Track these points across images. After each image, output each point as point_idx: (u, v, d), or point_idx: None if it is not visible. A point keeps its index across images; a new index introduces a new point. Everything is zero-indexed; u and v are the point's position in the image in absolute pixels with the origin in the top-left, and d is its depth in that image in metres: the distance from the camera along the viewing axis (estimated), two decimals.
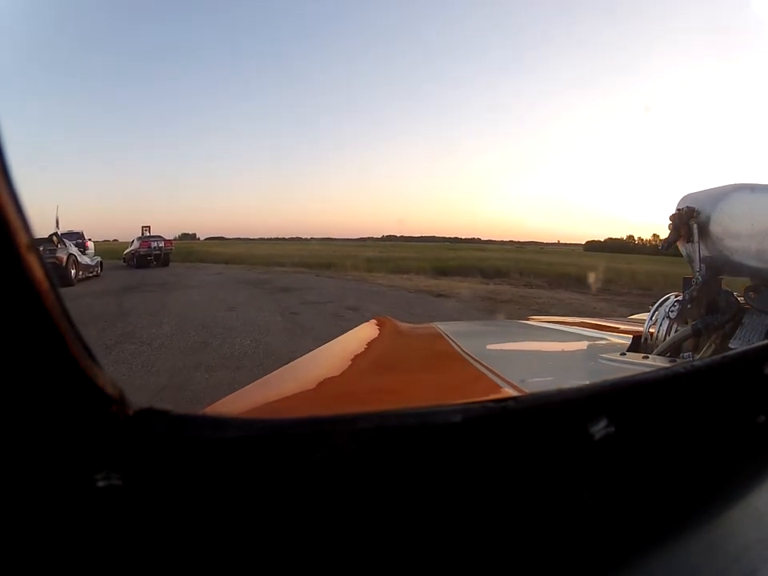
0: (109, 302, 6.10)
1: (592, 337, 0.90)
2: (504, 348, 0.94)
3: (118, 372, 2.96)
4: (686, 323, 0.69)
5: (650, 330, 0.75)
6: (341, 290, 7.89)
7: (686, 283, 0.72)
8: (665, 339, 0.71)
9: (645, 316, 0.82)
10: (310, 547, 0.19)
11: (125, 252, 14.91)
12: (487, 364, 0.61)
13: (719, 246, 0.69)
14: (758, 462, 0.30)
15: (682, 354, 0.68)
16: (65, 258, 8.10)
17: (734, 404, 0.30)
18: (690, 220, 0.71)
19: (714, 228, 0.69)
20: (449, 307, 6.10)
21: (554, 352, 0.88)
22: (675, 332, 0.70)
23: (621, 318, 1.42)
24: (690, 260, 0.73)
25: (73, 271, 8.42)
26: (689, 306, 0.69)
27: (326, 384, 0.65)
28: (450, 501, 0.20)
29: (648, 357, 0.64)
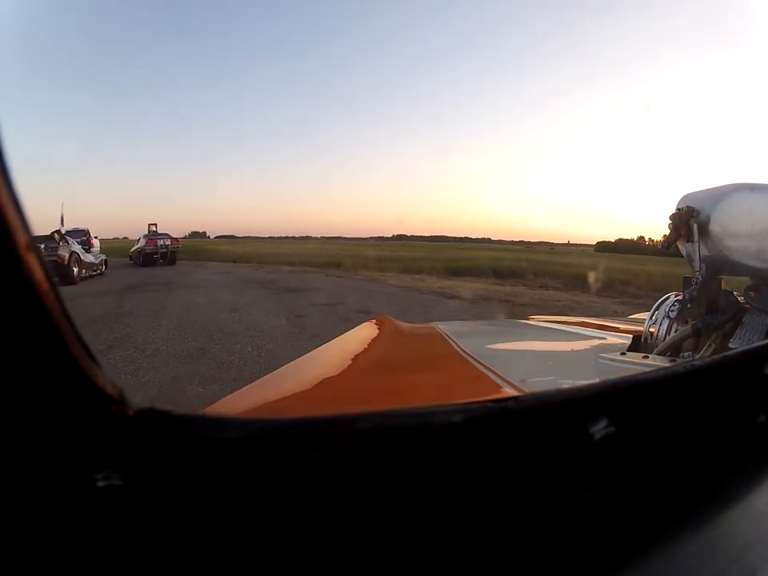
0: (109, 301, 5.92)
1: (592, 337, 0.90)
2: (504, 348, 0.94)
3: None
4: (686, 323, 0.69)
5: (650, 330, 0.75)
6: (350, 290, 7.58)
7: (686, 283, 0.72)
8: (665, 339, 0.71)
9: (645, 316, 0.82)
10: (310, 547, 0.19)
11: (131, 250, 14.82)
12: (487, 364, 0.61)
13: (719, 246, 0.69)
14: (757, 462, 0.30)
15: (681, 354, 0.68)
16: (67, 255, 7.97)
17: (734, 404, 0.30)
18: (689, 220, 0.71)
19: (714, 228, 0.69)
20: (464, 310, 5.75)
21: (554, 352, 0.88)
22: (675, 332, 0.70)
23: (621, 318, 1.42)
24: (690, 259, 0.73)
25: (75, 269, 8.30)
26: (689, 306, 0.69)
27: (325, 384, 0.65)
28: (451, 501, 0.20)
29: (648, 356, 0.64)
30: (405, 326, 1.13)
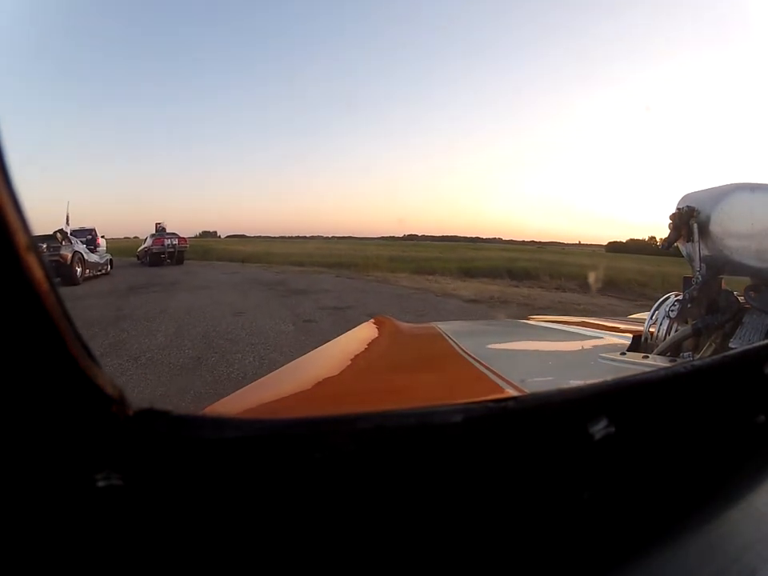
0: (109, 303, 5.73)
1: (592, 336, 0.90)
2: (504, 348, 0.94)
3: None
4: (686, 323, 0.69)
5: (650, 330, 0.75)
6: (362, 292, 7.27)
7: (686, 283, 0.72)
8: (665, 339, 0.71)
9: (645, 315, 0.81)
10: (310, 547, 0.19)
11: (138, 249, 14.71)
12: (487, 364, 0.61)
13: (719, 246, 0.69)
14: (757, 462, 0.30)
15: (681, 354, 0.68)
16: (69, 255, 7.80)
17: (734, 404, 0.30)
18: (690, 219, 0.71)
19: (714, 228, 0.69)
20: (482, 315, 5.29)
21: (554, 352, 0.88)
22: (675, 331, 0.70)
23: (621, 318, 1.42)
24: (690, 259, 0.73)
25: (78, 270, 8.16)
26: (689, 306, 0.69)
27: (325, 384, 0.65)
28: (451, 501, 0.20)
29: (648, 356, 0.64)
30: (405, 326, 1.13)
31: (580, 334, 0.95)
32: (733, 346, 0.62)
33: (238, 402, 0.59)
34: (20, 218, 0.14)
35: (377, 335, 1.07)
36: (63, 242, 7.87)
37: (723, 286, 0.70)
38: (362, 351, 0.91)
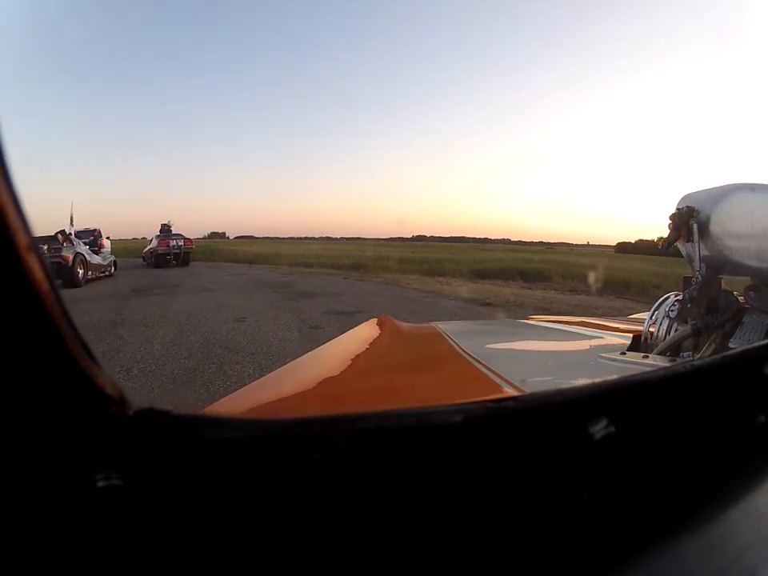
0: (108, 307, 5.53)
1: (592, 336, 0.90)
2: (504, 348, 0.94)
3: None
4: (686, 323, 0.69)
5: (650, 330, 0.75)
6: (371, 295, 6.95)
7: (686, 282, 0.72)
8: (665, 339, 0.71)
9: (645, 315, 0.82)
10: (310, 548, 0.19)
11: (144, 250, 14.57)
12: (487, 364, 0.61)
13: (719, 246, 0.69)
14: (757, 462, 0.30)
15: (681, 354, 0.68)
16: (71, 257, 7.64)
17: (734, 404, 0.30)
18: (689, 220, 0.71)
19: (714, 228, 0.69)
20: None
21: (554, 352, 0.88)
22: (675, 331, 0.70)
23: (621, 318, 1.42)
24: (690, 259, 0.73)
25: (81, 271, 8.01)
26: (689, 306, 0.69)
27: (326, 384, 0.65)
28: (451, 501, 0.20)
29: (648, 356, 0.64)
30: (405, 325, 1.13)
31: (580, 334, 0.95)
32: (733, 346, 0.62)
33: (238, 402, 0.59)
34: (20, 217, 0.14)
35: (377, 335, 1.07)
36: (64, 244, 7.74)
37: (723, 286, 0.70)
38: (362, 351, 0.91)
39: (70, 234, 8.70)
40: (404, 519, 0.20)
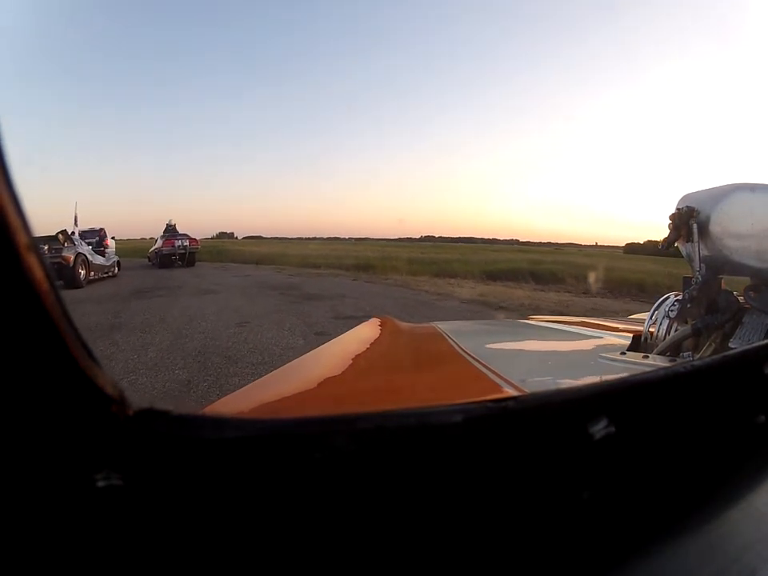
0: (107, 309, 5.33)
1: (592, 336, 0.90)
2: (504, 348, 0.94)
3: None
4: (686, 323, 0.69)
5: (650, 330, 0.75)
6: (381, 298, 6.68)
7: (686, 283, 0.72)
8: (665, 339, 0.71)
9: (645, 315, 0.82)
10: (310, 548, 0.19)
11: (149, 251, 14.43)
12: (487, 364, 0.61)
13: (719, 246, 0.69)
14: (757, 462, 0.30)
15: (681, 354, 0.68)
16: (72, 257, 7.48)
17: (734, 404, 0.30)
18: (689, 220, 0.71)
19: (714, 228, 0.69)
20: None
21: (554, 352, 0.88)
22: (675, 331, 0.70)
23: (621, 318, 1.42)
24: (690, 260, 0.73)
25: (82, 272, 7.86)
26: (689, 306, 0.69)
27: (326, 384, 0.65)
28: (450, 501, 0.20)
29: (648, 356, 0.64)
30: (405, 325, 1.13)
31: (580, 334, 0.95)
32: (733, 346, 0.62)
33: (238, 402, 0.59)
34: (20, 217, 0.14)
35: (377, 335, 1.07)
36: (66, 244, 7.60)
37: (723, 286, 0.70)
38: (362, 351, 0.91)
39: (73, 233, 8.62)
40: (404, 519, 0.20)
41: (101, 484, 0.16)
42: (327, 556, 0.19)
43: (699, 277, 0.70)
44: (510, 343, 1.02)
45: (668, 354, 0.68)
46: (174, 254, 12.54)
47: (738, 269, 0.68)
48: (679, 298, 0.73)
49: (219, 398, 0.62)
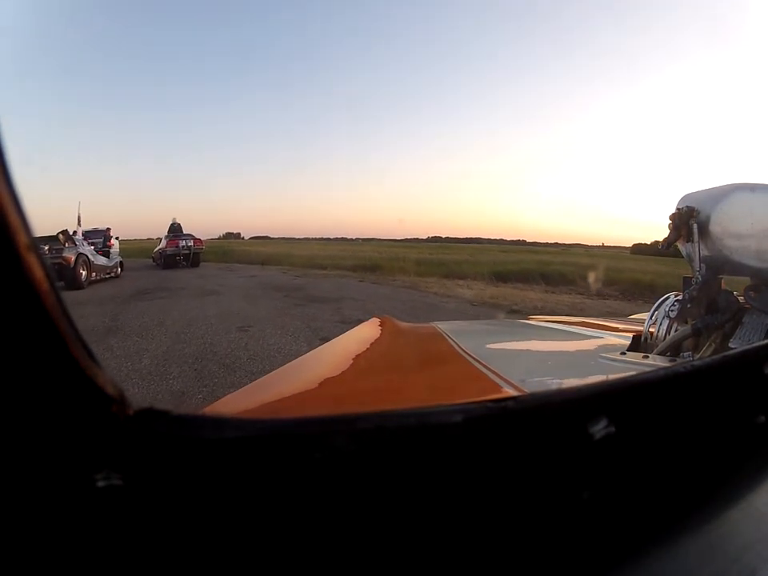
0: (106, 312, 5.17)
1: (592, 336, 0.90)
2: (504, 348, 0.94)
3: None
4: (686, 323, 0.69)
5: (650, 330, 0.75)
6: (389, 301, 6.44)
7: (686, 283, 0.72)
8: (665, 339, 0.71)
9: (645, 316, 0.82)
10: (310, 548, 0.19)
11: (154, 251, 14.31)
12: (487, 364, 0.61)
13: (719, 246, 0.69)
14: (757, 462, 0.30)
15: (681, 354, 0.68)
16: (73, 258, 7.34)
17: (734, 404, 0.30)
18: (689, 220, 0.71)
19: (714, 228, 0.69)
20: None
21: (554, 352, 0.88)
22: (675, 331, 0.70)
23: (621, 318, 1.42)
24: (690, 260, 0.73)
25: (84, 273, 7.74)
26: (689, 306, 0.69)
27: (326, 384, 0.65)
28: (450, 501, 0.20)
29: (648, 356, 0.64)
30: (405, 325, 1.13)
31: (580, 334, 0.95)
32: (733, 346, 0.62)
33: (238, 402, 0.59)
34: (20, 216, 0.14)
35: (377, 335, 1.07)
36: (66, 244, 7.44)
37: (723, 286, 0.70)
38: (362, 351, 0.91)
39: (75, 233, 8.53)
40: (404, 519, 0.20)
41: (101, 484, 0.16)
42: (327, 556, 0.19)
43: (699, 277, 0.70)
44: (509, 343, 1.02)
45: (668, 354, 0.68)
46: (179, 255, 12.41)
47: (738, 269, 0.68)
48: (679, 298, 0.73)
49: (219, 398, 0.62)
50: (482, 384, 0.57)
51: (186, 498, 0.17)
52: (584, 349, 0.85)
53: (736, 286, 0.70)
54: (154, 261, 14.03)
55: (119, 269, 9.98)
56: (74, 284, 7.29)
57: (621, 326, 0.98)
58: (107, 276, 9.15)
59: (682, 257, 0.76)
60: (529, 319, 1.35)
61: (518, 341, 1.06)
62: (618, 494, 0.25)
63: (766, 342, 0.49)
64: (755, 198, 0.65)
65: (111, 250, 9.93)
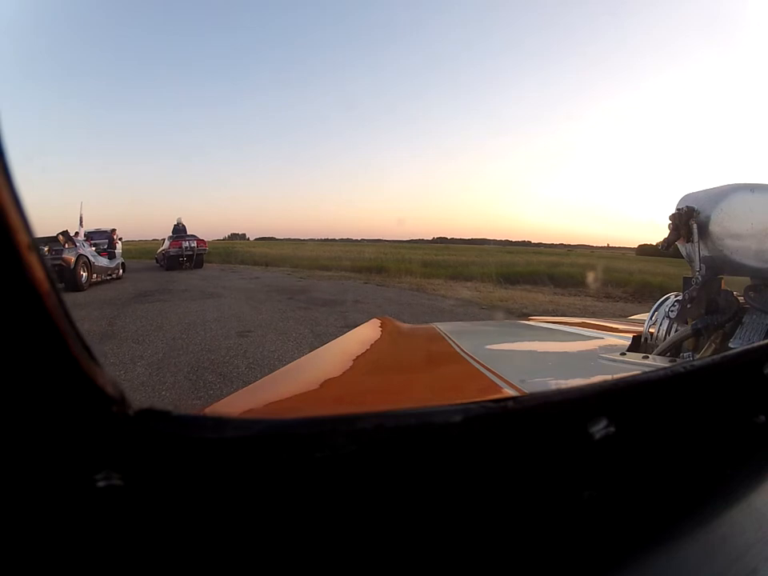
0: (103, 316, 4.98)
1: (592, 337, 0.90)
2: (504, 348, 0.94)
3: None
4: (686, 323, 0.69)
5: (650, 330, 0.75)
6: (395, 305, 6.19)
7: (686, 283, 0.72)
8: (665, 339, 0.71)
9: (645, 316, 0.82)
10: (310, 547, 0.19)
11: (157, 252, 14.25)
12: (487, 364, 0.61)
13: (719, 246, 0.69)
14: (758, 462, 0.30)
15: (681, 354, 0.68)
16: (73, 259, 7.21)
17: (734, 404, 0.30)
18: (689, 220, 0.71)
19: (714, 228, 0.69)
20: None
21: (554, 352, 0.88)
22: (675, 332, 0.70)
23: (621, 318, 1.42)
24: (690, 260, 0.73)
25: (84, 274, 7.60)
26: (689, 306, 0.69)
27: (326, 384, 0.65)
28: (450, 501, 0.20)
29: (648, 357, 0.64)
30: (405, 326, 1.13)
31: (580, 335, 0.95)
32: (733, 346, 0.62)
33: (238, 402, 0.59)
34: (21, 217, 0.14)
35: (377, 335, 1.07)
36: (66, 245, 7.32)
37: (723, 286, 0.70)
38: (362, 351, 0.91)
39: (77, 234, 8.47)
40: (404, 519, 0.20)
41: (101, 484, 0.16)
42: (327, 555, 0.19)
43: (699, 277, 0.70)
44: (509, 344, 1.03)
45: (668, 354, 0.68)
46: (182, 256, 12.29)
47: (738, 269, 0.68)
48: (679, 298, 0.73)
49: (220, 398, 0.62)
50: (482, 384, 0.57)
51: (186, 498, 0.17)
52: (584, 349, 0.85)
53: (736, 286, 0.70)
54: (157, 262, 13.98)
55: (121, 270, 9.89)
56: (74, 286, 7.19)
57: (621, 327, 0.98)
58: (108, 277, 9.06)
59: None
60: (529, 320, 1.35)
61: (517, 341, 1.06)
62: (618, 494, 0.25)
63: (766, 341, 0.49)
64: (755, 198, 0.65)
65: (116, 251, 9.83)
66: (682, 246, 0.75)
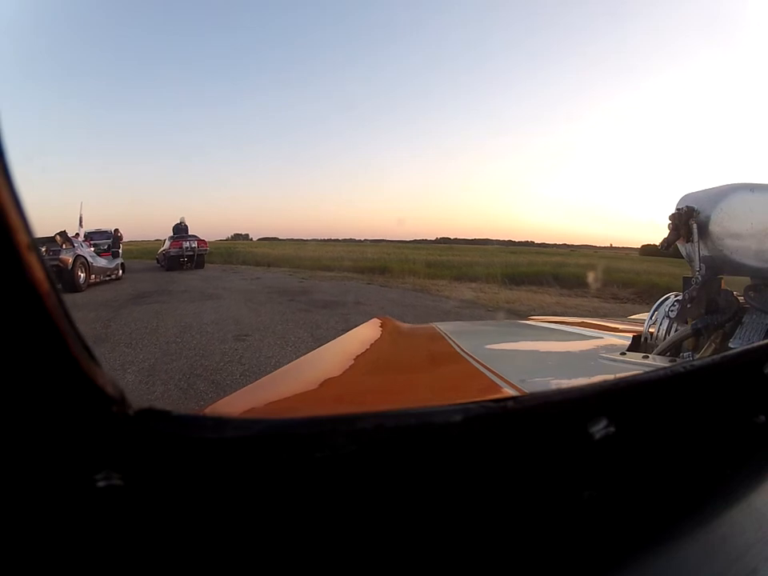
0: (98, 318, 4.85)
1: (592, 337, 0.90)
2: (504, 348, 0.94)
3: None
4: (686, 323, 0.69)
5: (650, 330, 0.75)
6: (399, 306, 6.05)
7: (686, 283, 0.72)
8: (665, 339, 0.71)
9: (645, 316, 0.82)
10: (310, 547, 0.19)
11: (158, 252, 14.18)
12: (487, 364, 0.61)
13: (719, 246, 0.69)
14: (758, 462, 0.30)
15: (681, 354, 0.68)
16: (71, 260, 7.15)
17: (734, 404, 0.30)
18: (689, 220, 0.71)
19: (714, 228, 0.69)
20: None
21: (554, 352, 0.88)
22: (675, 332, 0.70)
23: (621, 318, 1.42)
24: (690, 260, 0.73)
25: (82, 275, 7.52)
26: (689, 306, 0.69)
27: (326, 384, 0.65)
28: (450, 501, 0.20)
29: (648, 356, 0.64)
30: (405, 326, 1.13)
31: (580, 334, 0.95)
32: (733, 346, 0.62)
33: (238, 402, 0.59)
34: (21, 217, 0.14)
35: (377, 335, 1.07)
36: (64, 246, 7.24)
37: (723, 285, 0.70)
38: (362, 351, 0.91)
39: (77, 235, 8.41)
40: (404, 519, 0.20)
41: (101, 484, 0.16)
42: (328, 555, 0.19)
43: (699, 277, 0.70)
44: (509, 344, 1.02)
45: (668, 354, 0.68)
46: (182, 256, 12.18)
47: (738, 269, 0.68)
48: (679, 298, 0.73)
49: (219, 398, 0.62)
50: (482, 384, 0.57)
51: (186, 498, 0.17)
52: (584, 349, 0.85)
53: (736, 286, 0.70)
54: (158, 262, 13.93)
55: (120, 271, 9.79)
56: (72, 286, 7.11)
57: (621, 326, 0.98)
58: (107, 278, 8.96)
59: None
60: (529, 319, 1.34)
61: (517, 341, 1.06)
62: (618, 494, 0.25)
63: (766, 341, 0.49)
64: (755, 198, 0.65)
65: (119, 251, 9.75)
66: (681, 246, 0.75)
